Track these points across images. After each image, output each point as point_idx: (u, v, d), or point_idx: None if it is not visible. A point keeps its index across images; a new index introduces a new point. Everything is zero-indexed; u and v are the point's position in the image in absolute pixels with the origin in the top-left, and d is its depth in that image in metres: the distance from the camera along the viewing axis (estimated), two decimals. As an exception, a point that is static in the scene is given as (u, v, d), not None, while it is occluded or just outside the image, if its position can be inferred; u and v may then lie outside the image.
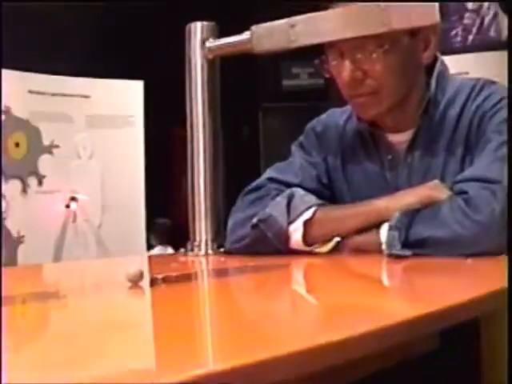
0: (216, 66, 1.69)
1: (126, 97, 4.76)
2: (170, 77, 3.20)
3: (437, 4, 1.36)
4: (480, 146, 1.49)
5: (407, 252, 1.36)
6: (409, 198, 1.46)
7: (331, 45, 1.52)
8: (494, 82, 1.60)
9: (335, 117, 1.74)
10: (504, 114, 1.50)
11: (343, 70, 1.50)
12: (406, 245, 1.38)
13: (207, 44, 1.66)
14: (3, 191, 4.13)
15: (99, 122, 4.63)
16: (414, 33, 1.51)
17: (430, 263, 1.35)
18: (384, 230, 1.45)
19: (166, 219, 5.82)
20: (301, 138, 1.75)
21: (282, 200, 1.55)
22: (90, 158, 4.59)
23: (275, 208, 1.54)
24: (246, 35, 1.60)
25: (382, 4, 1.41)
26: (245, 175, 2.00)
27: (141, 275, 1.06)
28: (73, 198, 4.46)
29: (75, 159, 4.53)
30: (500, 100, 1.53)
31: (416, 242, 1.39)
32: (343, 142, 1.69)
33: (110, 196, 4.61)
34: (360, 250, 1.50)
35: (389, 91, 1.52)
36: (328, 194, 1.68)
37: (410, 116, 1.59)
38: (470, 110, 1.55)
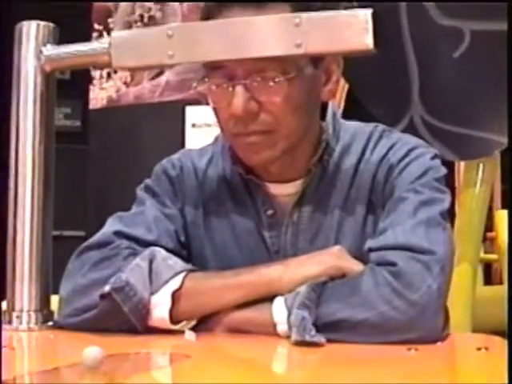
0: (54, 82, 1.29)
1: None
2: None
3: (370, 24, 1.07)
4: (390, 206, 1.22)
5: (322, 339, 1.05)
6: (310, 267, 1.15)
7: (217, 65, 1.19)
8: (390, 130, 1.34)
9: (192, 159, 1.39)
10: (416, 169, 1.25)
11: (234, 100, 1.17)
12: (315, 327, 1.07)
13: (45, 52, 1.26)
14: None
15: None
16: (316, 62, 1.22)
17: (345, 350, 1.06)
18: (279, 306, 1.13)
19: None
20: (149, 182, 1.38)
21: (141, 263, 1.18)
22: None
23: (133, 273, 1.16)
24: (102, 43, 1.22)
25: (298, 17, 1.10)
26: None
27: None
28: None
29: None
30: (408, 152, 1.27)
31: (328, 325, 1.08)
32: (205, 191, 1.35)
33: None
34: (241, 330, 1.17)
35: (287, 131, 1.21)
36: (185, 254, 1.33)
37: (300, 164, 1.29)
38: (371, 161, 1.29)
